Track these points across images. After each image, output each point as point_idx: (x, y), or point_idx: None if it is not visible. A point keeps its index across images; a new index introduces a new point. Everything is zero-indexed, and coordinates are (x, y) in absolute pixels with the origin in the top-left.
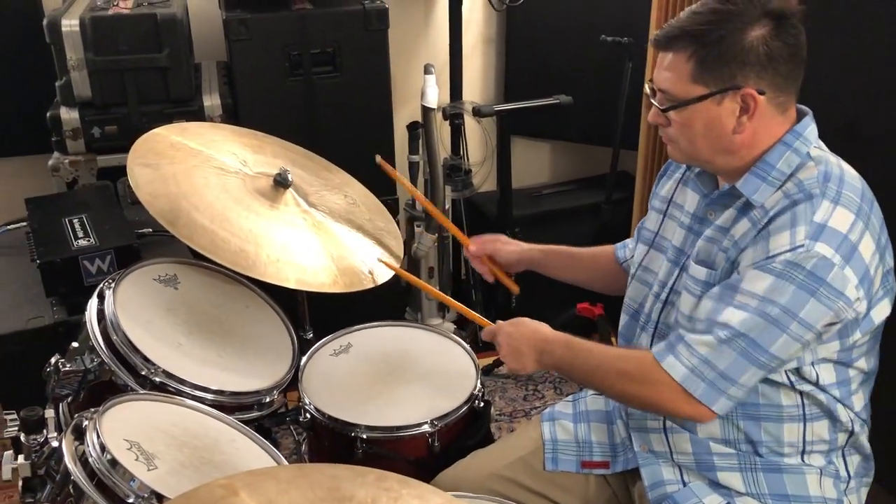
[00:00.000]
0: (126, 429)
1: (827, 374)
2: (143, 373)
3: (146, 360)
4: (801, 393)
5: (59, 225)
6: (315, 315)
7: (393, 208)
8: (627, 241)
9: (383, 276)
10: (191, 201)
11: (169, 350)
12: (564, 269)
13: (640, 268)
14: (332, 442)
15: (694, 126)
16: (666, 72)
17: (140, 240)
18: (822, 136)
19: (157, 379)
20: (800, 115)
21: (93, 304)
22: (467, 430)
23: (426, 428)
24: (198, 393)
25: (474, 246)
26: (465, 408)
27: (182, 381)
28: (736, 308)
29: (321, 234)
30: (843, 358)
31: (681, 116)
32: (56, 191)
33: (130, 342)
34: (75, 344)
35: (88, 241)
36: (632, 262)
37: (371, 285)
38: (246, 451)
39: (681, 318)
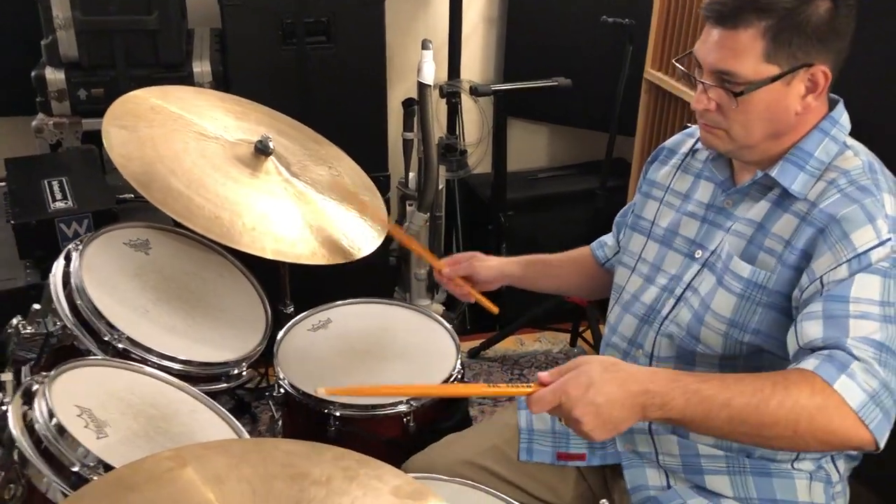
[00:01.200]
0: (79, 395)
1: None
2: (107, 339)
3: (110, 325)
4: None
5: (37, 186)
6: (300, 290)
7: (384, 185)
8: (604, 239)
9: (364, 249)
10: (167, 165)
11: (135, 316)
12: (543, 279)
13: (640, 259)
14: (306, 419)
15: (756, 109)
16: (729, 50)
17: (120, 205)
18: None
19: (121, 345)
20: (832, 102)
21: (58, 265)
22: (445, 412)
23: (402, 407)
24: (165, 363)
25: (447, 268)
26: None
27: (148, 350)
28: (861, 319)
29: (302, 205)
30: None
31: (746, 99)
32: (39, 153)
33: (94, 306)
34: (37, 306)
35: (66, 203)
36: (626, 253)
37: (350, 259)
38: (207, 423)
39: (712, 322)
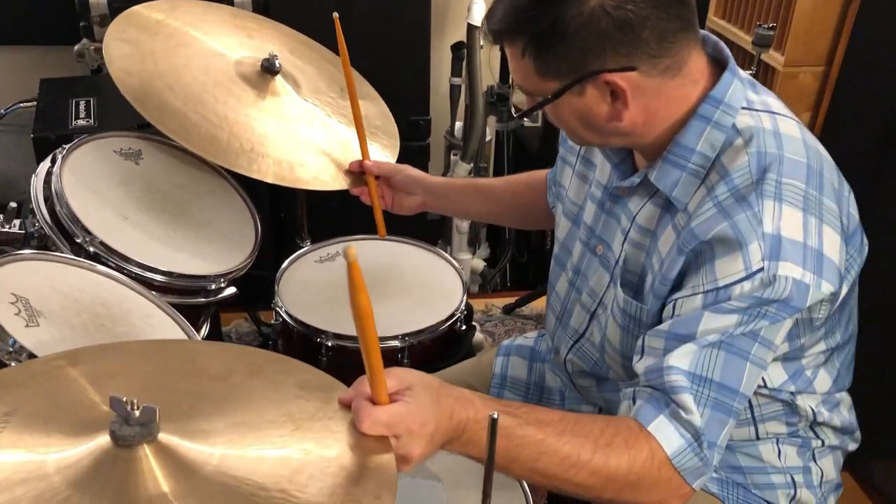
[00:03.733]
0: (20, 283)
1: (776, 375)
2: (79, 241)
3: (84, 228)
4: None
5: (64, 105)
6: (329, 233)
7: (424, 129)
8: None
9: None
10: (165, 81)
11: (114, 221)
12: (472, 200)
13: (559, 244)
14: (300, 349)
15: (567, 120)
16: (514, 69)
17: (141, 129)
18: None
19: (92, 249)
20: (718, 65)
21: (44, 166)
22: (443, 352)
23: (396, 343)
24: (137, 270)
25: (370, 161)
26: (444, 327)
27: (124, 257)
28: (693, 344)
29: (309, 129)
30: (793, 354)
31: (549, 112)
32: None
33: (69, 207)
34: (14, 204)
35: (88, 122)
36: (555, 229)
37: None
38: (158, 327)
39: (611, 352)
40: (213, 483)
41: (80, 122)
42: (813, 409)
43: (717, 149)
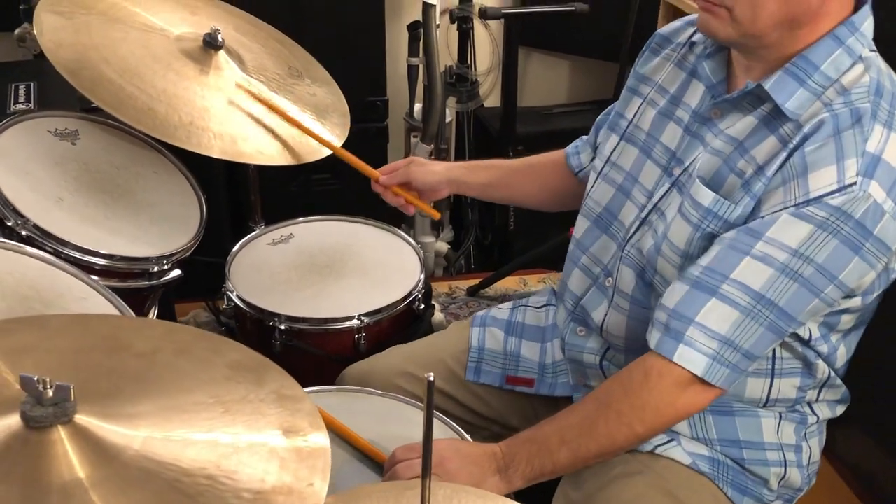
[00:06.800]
0: None
1: (815, 329)
2: (10, 224)
3: (15, 211)
4: (779, 346)
5: (2, 89)
6: (289, 215)
7: (382, 110)
8: (580, 141)
9: (315, 153)
10: (101, 53)
11: (48, 204)
12: (497, 185)
13: (610, 163)
14: (255, 334)
15: None
16: None
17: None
18: None
19: (24, 232)
20: (858, 2)
21: None
22: (402, 333)
23: (353, 323)
24: (87, 258)
25: (384, 176)
26: (401, 306)
27: (64, 243)
28: (758, 261)
29: (253, 104)
30: (837, 315)
31: None
32: None
33: None
34: None
35: (27, 105)
36: (598, 155)
37: (299, 162)
38: (94, 309)
39: (668, 252)
40: (134, 468)
41: (20, 107)
42: (828, 373)
43: (840, 72)
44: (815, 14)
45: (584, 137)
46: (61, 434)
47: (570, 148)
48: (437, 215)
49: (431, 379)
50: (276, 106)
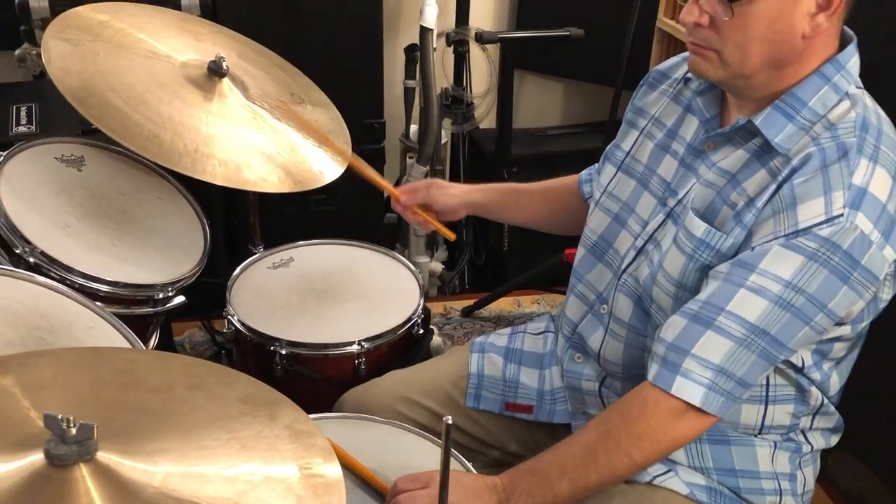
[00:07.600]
0: None
1: (808, 357)
2: (18, 251)
3: (23, 238)
4: (772, 373)
5: (4, 111)
6: (288, 238)
7: (379, 132)
8: (593, 169)
9: (321, 180)
10: (107, 80)
11: (54, 231)
12: (513, 209)
13: (606, 194)
14: (254, 358)
15: (756, 24)
16: None
17: (86, 135)
18: None
19: (32, 260)
20: (844, 41)
21: None
22: (401, 358)
23: (353, 349)
24: (80, 281)
25: (405, 196)
26: (401, 331)
27: (67, 268)
28: (753, 293)
29: (257, 132)
30: (829, 343)
31: (744, 10)
32: None
33: (6, 216)
34: None
35: (29, 128)
36: (596, 184)
37: (303, 189)
38: (102, 339)
39: (663, 281)
40: None
41: (22, 129)
42: (821, 400)
43: (827, 108)
44: (799, 54)
45: (597, 165)
46: (83, 472)
47: (583, 174)
48: (452, 236)
49: (450, 422)
50: (299, 115)
